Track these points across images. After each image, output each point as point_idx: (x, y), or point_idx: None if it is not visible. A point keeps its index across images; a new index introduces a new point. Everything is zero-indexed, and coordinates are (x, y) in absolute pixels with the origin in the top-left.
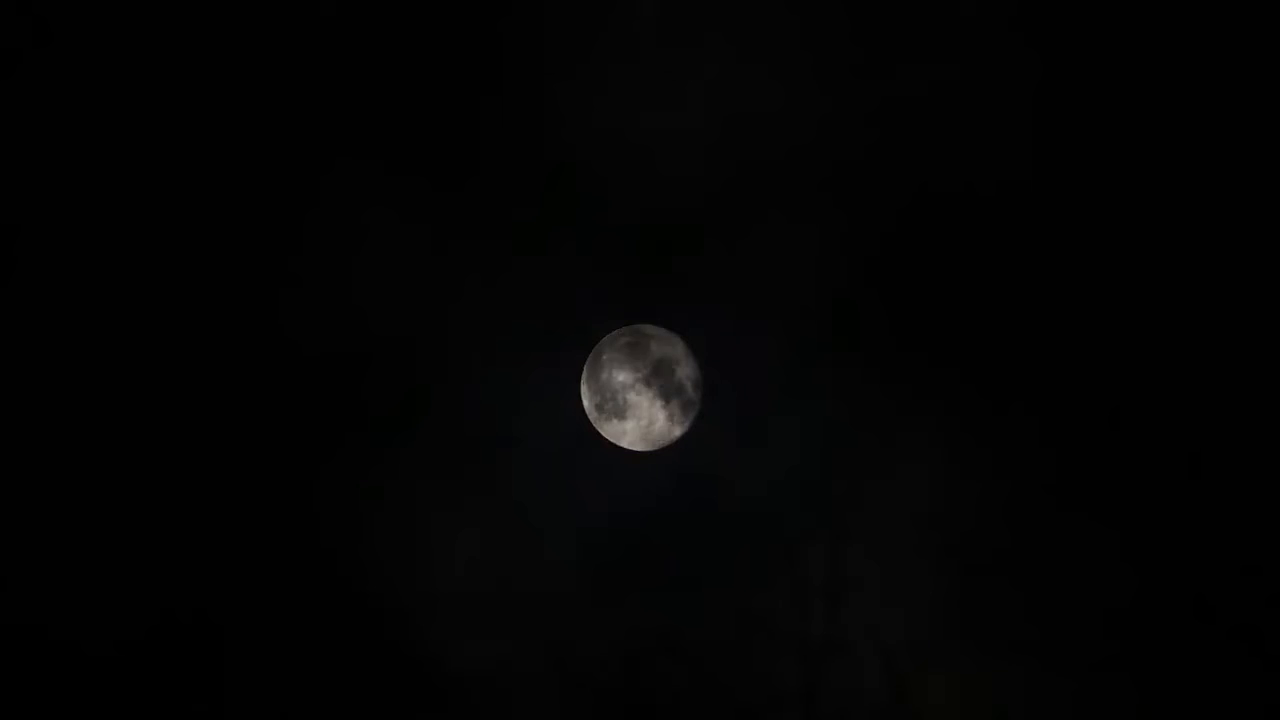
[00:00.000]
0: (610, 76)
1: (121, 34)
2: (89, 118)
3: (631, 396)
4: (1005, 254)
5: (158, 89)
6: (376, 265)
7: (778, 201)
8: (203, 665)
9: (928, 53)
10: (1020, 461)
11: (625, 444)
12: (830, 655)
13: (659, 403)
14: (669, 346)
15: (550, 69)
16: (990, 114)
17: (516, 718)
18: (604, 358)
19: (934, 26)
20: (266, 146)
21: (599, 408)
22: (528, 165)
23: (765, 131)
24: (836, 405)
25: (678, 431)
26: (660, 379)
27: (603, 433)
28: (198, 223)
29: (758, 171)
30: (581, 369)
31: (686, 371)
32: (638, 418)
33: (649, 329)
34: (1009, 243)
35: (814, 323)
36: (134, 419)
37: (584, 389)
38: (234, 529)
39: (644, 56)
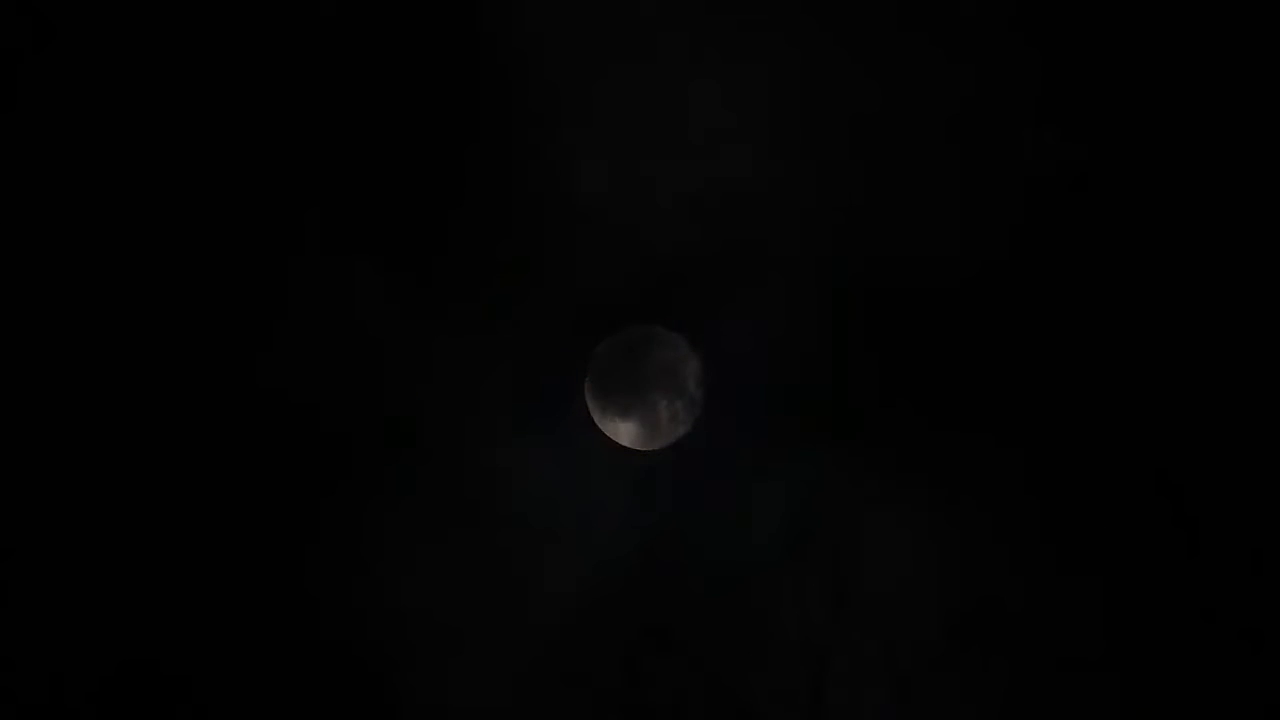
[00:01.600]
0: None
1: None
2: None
3: (635, 396)
4: (994, 288)
5: (151, 146)
6: (380, 277)
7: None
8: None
9: (918, 106)
10: (1020, 467)
11: (628, 443)
12: (831, 655)
13: (662, 402)
14: (672, 347)
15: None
16: (978, 189)
17: (517, 717)
18: (608, 358)
19: (919, 87)
20: (261, 185)
21: (602, 408)
22: (522, 198)
23: (758, 191)
24: (838, 409)
25: (681, 430)
26: (664, 379)
27: (606, 432)
28: (180, 288)
29: (752, 225)
30: (585, 370)
31: (690, 371)
32: (641, 417)
33: (652, 330)
34: (1000, 288)
35: (814, 334)
36: (127, 471)
37: (588, 389)
38: (243, 532)
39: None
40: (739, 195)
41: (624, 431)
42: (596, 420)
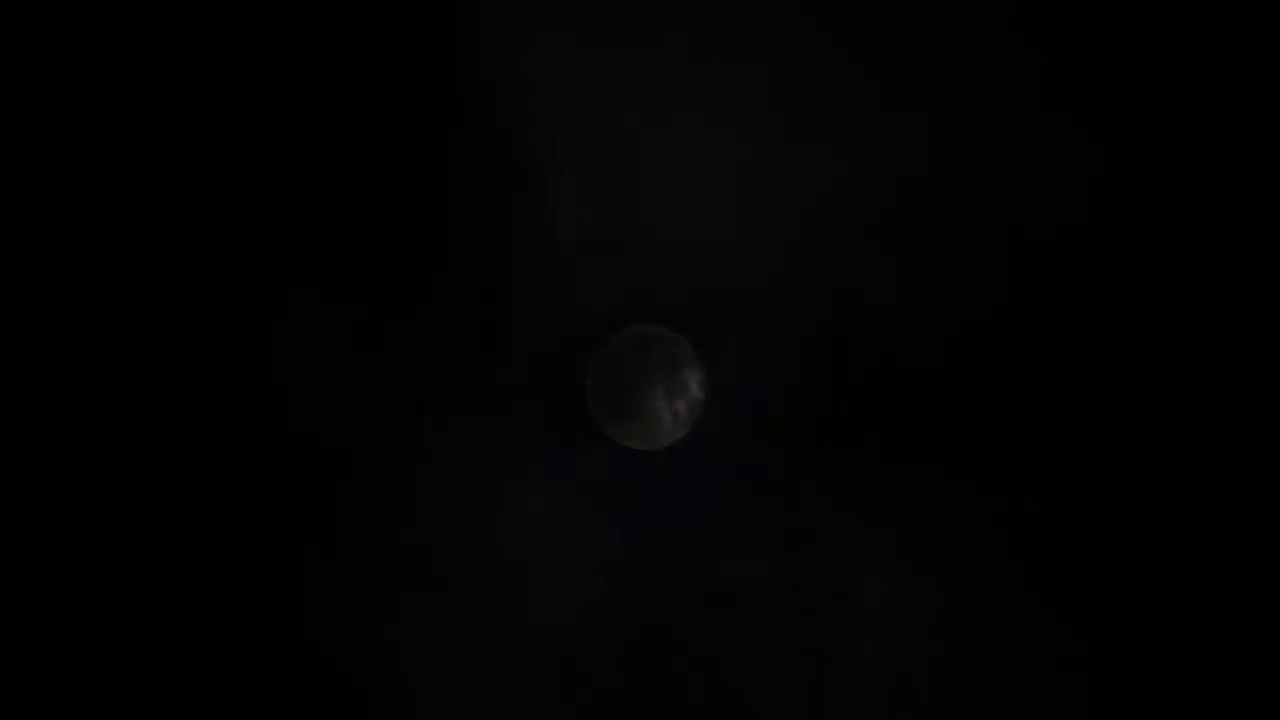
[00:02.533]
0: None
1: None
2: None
3: (635, 396)
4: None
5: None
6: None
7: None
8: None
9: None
10: (1023, 463)
11: (629, 444)
12: (833, 656)
13: (664, 402)
14: (674, 346)
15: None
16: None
17: (517, 717)
18: (608, 358)
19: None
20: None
21: (602, 408)
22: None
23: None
24: (838, 412)
25: (682, 431)
26: (665, 379)
27: (606, 432)
28: (179, 293)
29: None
30: (586, 369)
31: (692, 371)
32: (642, 417)
33: (654, 329)
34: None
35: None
36: (124, 484)
37: (589, 390)
38: (246, 535)
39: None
40: (736, 211)
41: (625, 432)
42: (597, 421)
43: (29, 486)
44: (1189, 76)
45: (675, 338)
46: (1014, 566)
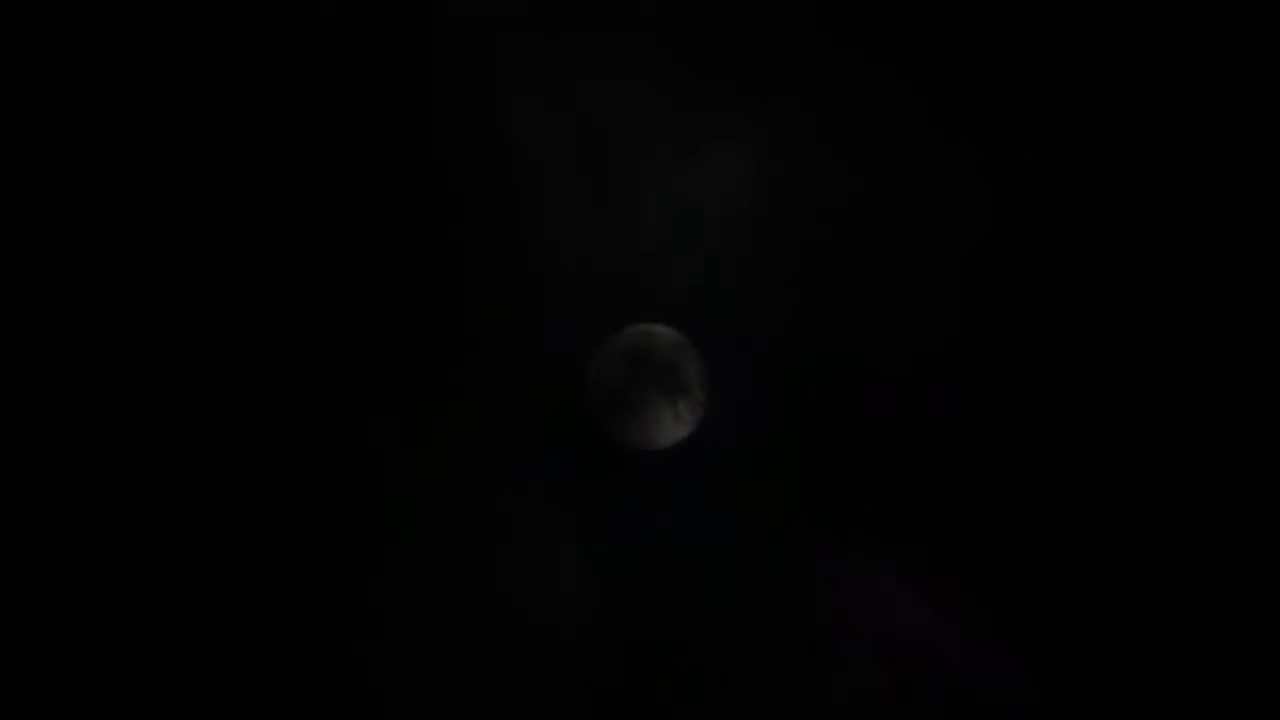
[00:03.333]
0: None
1: None
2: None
3: (637, 396)
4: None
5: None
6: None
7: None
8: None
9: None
10: (1020, 470)
11: (630, 443)
12: (833, 655)
13: (664, 402)
14: (675, 347)
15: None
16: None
17: (518, 717)
18: (610, 357)
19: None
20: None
21: (604, 407)
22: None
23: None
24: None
25: (683, 431)
26: (666, 378)
27: (607, 432)
28: (180, 306)
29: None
30: (587, 369)
31: (693, 371)
32: (643, 417)
33: (655, 329)
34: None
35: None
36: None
37: (589, 389)
38: (250, 541)
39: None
40: (735, 216)
41: (625, 432)
42: (597, 421)
43: (33, 496)
44: (1187, 119)
45: (676, 338)
46: (1012, 568)
